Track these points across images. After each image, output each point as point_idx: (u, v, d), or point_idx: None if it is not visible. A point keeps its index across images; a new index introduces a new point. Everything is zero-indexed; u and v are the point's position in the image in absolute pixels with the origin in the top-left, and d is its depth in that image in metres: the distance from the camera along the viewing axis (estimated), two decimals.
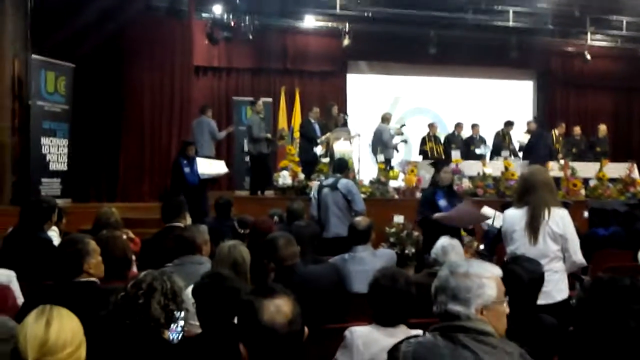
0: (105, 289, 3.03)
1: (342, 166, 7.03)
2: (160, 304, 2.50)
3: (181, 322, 2.65)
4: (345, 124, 11.13)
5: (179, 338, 2.62)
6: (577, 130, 12.52)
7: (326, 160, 9.60)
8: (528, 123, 12.17)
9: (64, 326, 1.84)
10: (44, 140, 9.26)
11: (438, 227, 5.67)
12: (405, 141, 11.52)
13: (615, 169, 10.60)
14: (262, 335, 1.73)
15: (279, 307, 1.74)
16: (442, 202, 6.06)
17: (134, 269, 4.04)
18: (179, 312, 2.61)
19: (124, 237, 4.16)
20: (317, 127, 10.35)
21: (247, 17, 12.38)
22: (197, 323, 2.80)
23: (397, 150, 11.31)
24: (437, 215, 5.92)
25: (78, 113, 9.85)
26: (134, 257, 4.13)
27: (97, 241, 3.39)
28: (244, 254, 3.57)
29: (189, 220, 5.08)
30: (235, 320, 1.85)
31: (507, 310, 2.11)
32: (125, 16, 9.97)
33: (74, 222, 6.67)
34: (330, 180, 6.67)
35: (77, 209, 8.32)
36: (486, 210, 6.85)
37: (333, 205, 6.47)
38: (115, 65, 10.24)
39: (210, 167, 9.31)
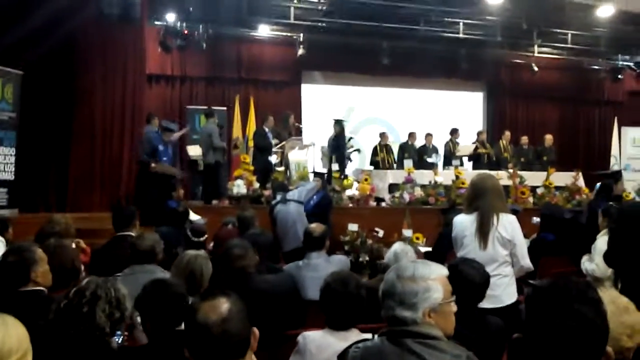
0: (52, 298, 2.96)
1: (281, 187, 7.93)
2: (105, 312, 2.45)
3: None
4: (299, 133, 11.16)
5: (120, 342, 2.56)
6: (525, 139, 12.82)
7: (281, 169, 9.60)
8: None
9: (10, 333, 1.80)
10: None
11: None
12: (358, 150, 11.60)
13: (562, 178, 10.91)
14: (197, 335, 1.74)
15: (213, 306, 1.76)
16: None
17: None
18: (122, 319, 2.56)
19: (74, 245, 4.08)
20: (270, 135, 10.34)
21: (200, 26, 12.30)
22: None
23: (351, 160, 11.39)
24: None
25: (26, 121, 9.56)
26: (82, 267, 4.05)
27: (44, 249, 3.32)
28: (204, 266, 3.51)
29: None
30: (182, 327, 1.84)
31: (455, 308, 2.14)
32: (76, 22, 9.75)
33: (21, 233, 6.47)
34: (278, 198, 7.22)
35: (24, 220, 8.09)
36: None
37: (290, 216, 6.79)
38: (65, 72, 9.97)
39: None
